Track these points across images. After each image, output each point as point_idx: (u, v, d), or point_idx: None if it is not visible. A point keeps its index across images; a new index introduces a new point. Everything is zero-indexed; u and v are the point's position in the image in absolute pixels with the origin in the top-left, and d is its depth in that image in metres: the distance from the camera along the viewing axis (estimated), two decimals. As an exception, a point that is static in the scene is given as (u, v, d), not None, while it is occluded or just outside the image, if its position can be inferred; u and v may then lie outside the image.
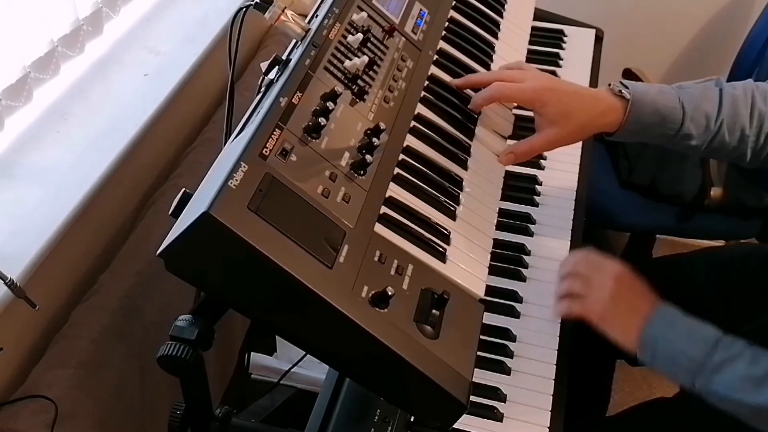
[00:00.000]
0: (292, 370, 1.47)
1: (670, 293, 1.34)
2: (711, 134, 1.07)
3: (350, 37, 1.02)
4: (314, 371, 1.56)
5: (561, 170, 1.23)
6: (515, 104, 1.19)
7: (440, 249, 0.93)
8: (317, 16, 1.03)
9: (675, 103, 1.06)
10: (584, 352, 1.25)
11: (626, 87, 1.07)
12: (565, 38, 1.52)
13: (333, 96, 0.92)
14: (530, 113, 1.11)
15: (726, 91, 1.08)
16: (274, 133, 0.83)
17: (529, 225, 1.16)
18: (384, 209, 0.91)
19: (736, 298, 1.28)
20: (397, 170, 0.97)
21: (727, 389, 0.95)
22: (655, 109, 1.06)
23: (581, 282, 1.04)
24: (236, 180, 0.76)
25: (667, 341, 0.98)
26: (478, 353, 0.88)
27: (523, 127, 1.18)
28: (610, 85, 1.08)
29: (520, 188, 1.20)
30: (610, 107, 1.07)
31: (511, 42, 1.37)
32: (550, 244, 1.15)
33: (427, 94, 1.12)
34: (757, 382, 0.93)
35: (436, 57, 1.19)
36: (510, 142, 1.18)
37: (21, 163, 1.15)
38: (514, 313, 1.05)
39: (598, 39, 1.55)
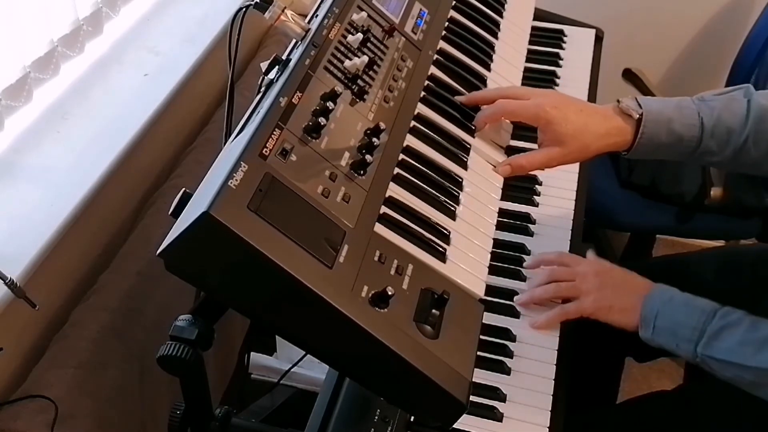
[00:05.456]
0: (292, 370, 1.47)
1: None
2: (734, 149, 1.03)
3: (350, 37, 1.02)
4: (314, 371, 1.57)
5: (561, 170, 1.23)
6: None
7: (440, 249, 0.93)
8: (317, 16, 1.03)
9: (694, 119, 1.03)
10: (593, 349, 1.25)
11: (639, 105, 1.04)
12: (565, 38, 1.52)
13: (333, 96, 0.92)
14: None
15: (754, 102, 1.04)
16: (274, 133, 0.83)
17: (529, 225, 1.16)
18: (384, 209, 0.91)
19: (748, 298, 1.27)
20: (397, 170, 0.97)
21: (729, 354, 0.95)
22: (670, 129, 1.03)
23: (565, 283, 1.04)
24: (236, 180, 0.76)
25: (665, 315, 0.99)
26: (478, 353, 0.88)
27: (523, 127, 1.18)
28: (619, 102, 1.06)
29: (520, 188, 1.20)
30: (618, 128, 1.05)
31: (511, 42, 1.37)
32: (550, 244, 1.15)
33: (427, 94, 1.12)
34: (758, 346, 0.94)
35: (436, 57, 1.19)
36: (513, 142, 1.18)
37: (21, 163, 1.15)
38: (514, 313, 1.05)
39: (598, 39, 1.55)
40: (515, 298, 1.06)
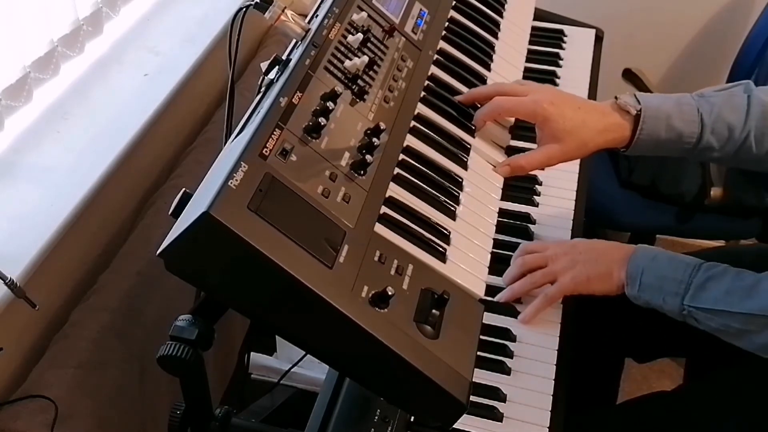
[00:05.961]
0: (292, 370, 1.47)
1: None
2: (735, 145, 1.03)
3: (350, 37, 1.02)
4: (314, 371, 1.57)
5: (561, 170, 1.22)
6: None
7: (440, 249, 0.93)
8: (317, 16, 1.03)
9: (693, 116, 1.03)
10: (593, 349, 1.25)
11: (638, 101, 1.04)
12: (565, 38, 1.52)
13: (333, 96, 0.92)
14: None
15: (755, 99, 1.03)
16: (274, 133, 0.83)
17: (529, 225, 1.16)
18: (384, 209, 0.91)
19: None
20: (397, 170, 0.97)
21: (715, 303, 0.95)
22: (669, 125, 1.03)
23: (539, 271, 1.04)
24: (236, 180, 0.76)
25: (651, 271, 0.99)
26: (478, 353, 0.88)
27: (523, 127, 1.18)
28: (617, 98, 1.05)
29: (520, 188, 1.19)
30: (616, 123, 1.04)
31: (511, 42, 1.37)
32: (550, 244, 1.15)
33: (427, 94, 1.12)
34: (745, 292, 0.94)
35: (436, 57, 1.19)
36: (512, 142, 1.18)
37: (21, 163, 1.15)
38: (514, 314, 1.05)
39: (598, 39, 1.55)
40: (497, 296, 1.03)
